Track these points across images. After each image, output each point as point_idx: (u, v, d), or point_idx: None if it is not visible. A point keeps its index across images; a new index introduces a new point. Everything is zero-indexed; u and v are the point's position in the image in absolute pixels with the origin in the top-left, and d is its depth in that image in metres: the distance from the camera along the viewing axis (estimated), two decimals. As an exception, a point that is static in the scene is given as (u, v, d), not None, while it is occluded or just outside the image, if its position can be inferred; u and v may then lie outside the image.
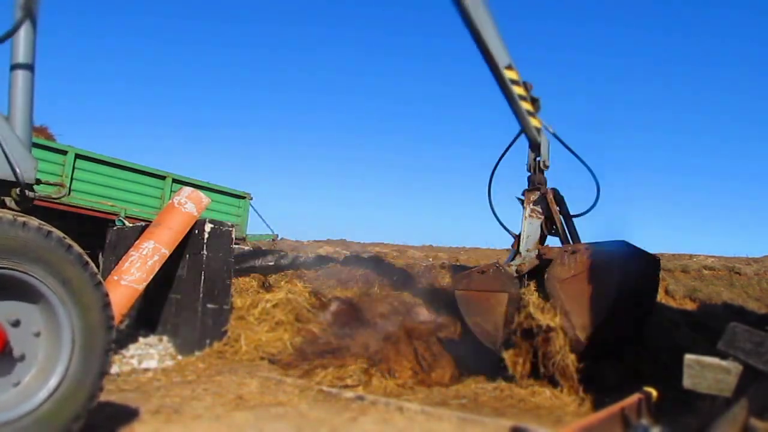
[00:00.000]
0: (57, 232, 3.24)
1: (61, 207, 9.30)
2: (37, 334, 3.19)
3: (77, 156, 9.82)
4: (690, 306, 16.73)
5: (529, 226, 6.64)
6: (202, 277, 7.28)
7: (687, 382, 3.56)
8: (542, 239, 6.74)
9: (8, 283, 3.03)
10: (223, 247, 7.59)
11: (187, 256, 7.50)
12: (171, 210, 7.42)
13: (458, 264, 12.17)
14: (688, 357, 3.59)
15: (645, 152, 73.55)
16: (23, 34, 3.60)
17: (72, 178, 9.72)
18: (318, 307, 8.53)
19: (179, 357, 6.97)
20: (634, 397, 3.87)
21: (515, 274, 6.46)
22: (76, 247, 3.32)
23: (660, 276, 6.61)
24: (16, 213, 3.14)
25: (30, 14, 3.58)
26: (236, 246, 8.37)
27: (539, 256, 6.50)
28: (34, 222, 3.14)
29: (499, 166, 7.19)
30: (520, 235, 6.77)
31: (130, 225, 9.13)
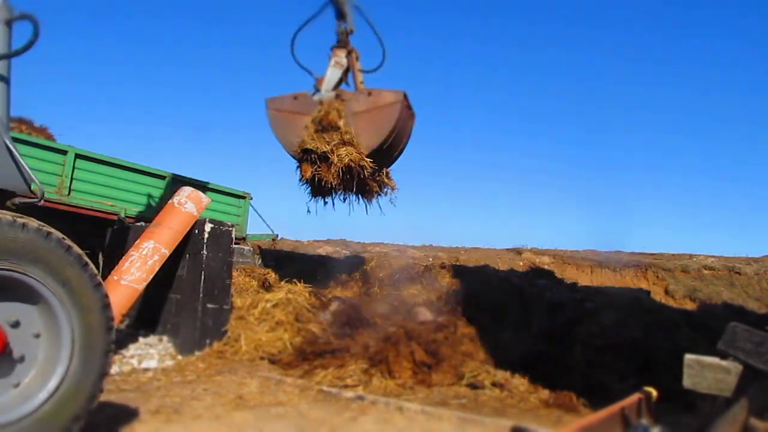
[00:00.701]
0: (56, 233, 3.23)
1: (61, 207, 9.29)
2: (37, 336, 3.18)
3: (77, 156, 9.80)
4: (690, 306, 16.76)
5: (332, 72, 8.20)
6: (202, 277, 7.27)
7: (687, 382, 3.56)
8: (338, 85, 8.33)
9: (8, 284, 3.02)
10: (223, 247, 7.59)
11: (187, 256, 7.49)
12: (171, 210, 7.41)
13: (458, 264, 12.17)
14: (688, 357, 3.59)
15: (645, 152, 73.57)
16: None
17: (72, 178, 9.71)
18: (318, 307, 8.53)
19: (179, 357, 6.97)
20: (634, 397, 3.87)
21: (314, 100, 8.06)
22: (76, 248, 3.31)
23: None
24: (15, 214, 3.13)
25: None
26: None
27: (337, 97, 8.08)
28: (34, 223, 3.14)
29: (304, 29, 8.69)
30: (323, 78, 8.26)
31: (130, 225, 9.12)
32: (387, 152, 7.95)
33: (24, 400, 3.04)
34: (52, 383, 3.14)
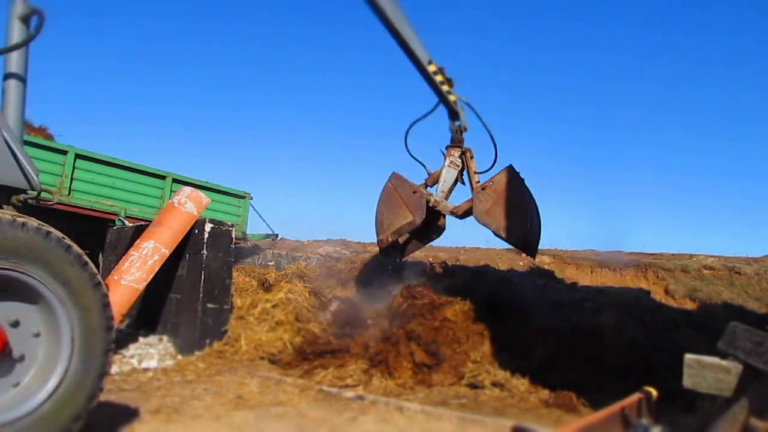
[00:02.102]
0: (56, 233, 3.23)
1: (61, 207, 9.30)
2: (37, 335, 3.18)
3: (77, 156, 9.81)
4: (690, 305, 16.75)
5: (447, 173, 8.29)
6: (202, 277, 7.27)
7: (687, 382, 3.56)
8: (454, 186, 8.44)
9: (7, 283, 3.02)
10: (223, 246, 7.59)
11: (187, 255, 7.50)
12: (171, 210, 7.41)
13: (458, 264, 12.17)
14: (688, 357, 3.59)
15: (646, 152, 73.56)
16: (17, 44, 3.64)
17: (72, 178, 9.72)
18: (318, 307, 8.53)
19: (179, 357, 6.97)
20: (634, 397, 3.87)
21: (429, 205, 8.11)
22: (76, 248, 3.31)
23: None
24: (15, 213, 3.13)
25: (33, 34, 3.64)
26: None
27: (453, 212, 8.21)
28: (34, 222, 3.14)
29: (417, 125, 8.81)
30: (436, 174, 8.41)
31: (130, 225, 9.13)
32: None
33: (24, 400, 3.04)
34: (52, 383, 3.14)
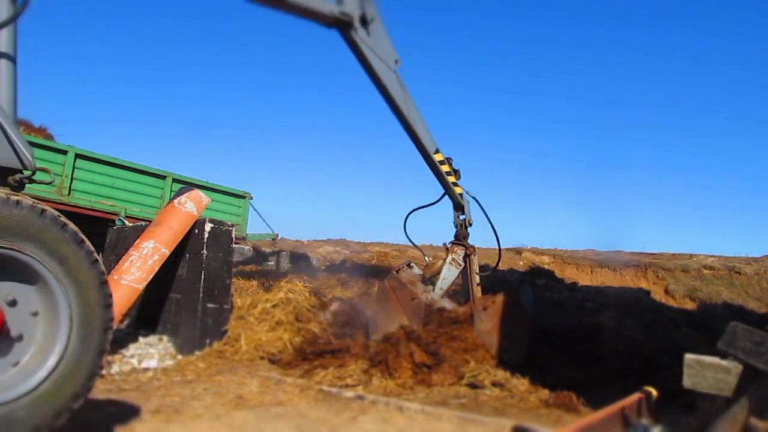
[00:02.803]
0: (51, 210, 3.20)
1: (61, 207, 9.30)
2: (35, 314, 3.17)
3: (77, 156, 9.82)
4: (690, 305, 16.76)
5: (448, 271, 7.90)
6: (202, 277, 7.27)
7: (687, 382, 3.56)
8: (454, 286, 8.14)
9: (3, 262, 3.01)
10: (223, 246, 7.59)
11: (187, 255, 7.49)
12: (171, 209, 7.41)
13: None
14: (688, 356, 3.59)
15: (646, 151, 73.56)
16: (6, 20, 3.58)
17: (72, 178, 9.72)
18: (318, 307, 8.52)
19: (179, 356, 6.97)
20: (634, 397, 3.87)
21: (426, 302, 7.68)
22: (71, 226, 3.28)
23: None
24: (9, 192, 3.10)
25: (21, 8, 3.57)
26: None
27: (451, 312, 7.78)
28: (28, 200, 3.11)
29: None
30: (435, 268, 8.10)
31: (130, 224, 9.13)
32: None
33: (23, 379, 3.03)
34: (51, 361, 3.13)
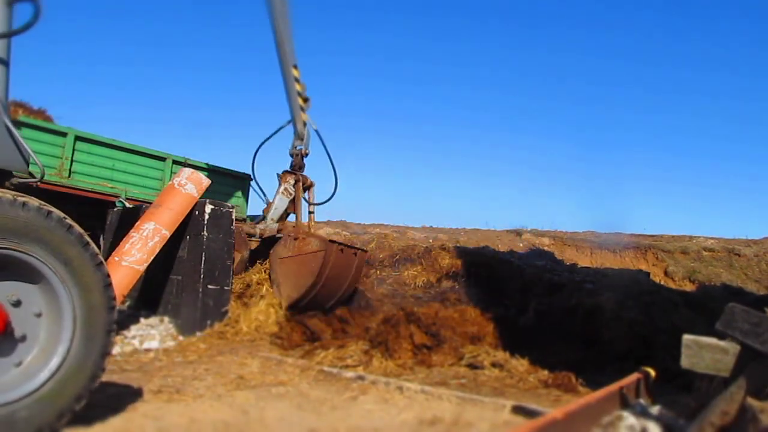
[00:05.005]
0: (57, 212, 3.22)
1: (62, 189, 9.27)
2: (39, 315, 3.19)
3: (77, 138, 9.75)
4: (689, 287, 16.81)
5: (280, 201, 8.29)
6: (203, 258, 7.29)
7: (685, 362, 3.58)
8: (286, 214, 8.48)
9: (8, 263, 3.02)
10: (223, 228, 7.59)
11: (188, 237, 7.50)
12: (171, 191, 7.40)
13: (458, 245, 12.18)
14: (687, 337, 3.61)
15: (645, 133, 73.29)
16: None
17: (72, 160, 9.68)
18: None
19: (180, 337, 7.01)
20: (633, 377, 3.90)
21: (256, 237, 8.11)
22: (77, 227, 3.30)
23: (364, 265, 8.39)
24: (16, 193, 3.12)
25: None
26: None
27: (279, 230, 8.12)
28: (34, 202, 3.13)
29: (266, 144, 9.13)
30: (271, 203, 8.38)
31: (131, 206, 9.12)
32: (323, 295, 7.80)
33: (26, 379, 3.05)
34: (54, 362, 3.15)
